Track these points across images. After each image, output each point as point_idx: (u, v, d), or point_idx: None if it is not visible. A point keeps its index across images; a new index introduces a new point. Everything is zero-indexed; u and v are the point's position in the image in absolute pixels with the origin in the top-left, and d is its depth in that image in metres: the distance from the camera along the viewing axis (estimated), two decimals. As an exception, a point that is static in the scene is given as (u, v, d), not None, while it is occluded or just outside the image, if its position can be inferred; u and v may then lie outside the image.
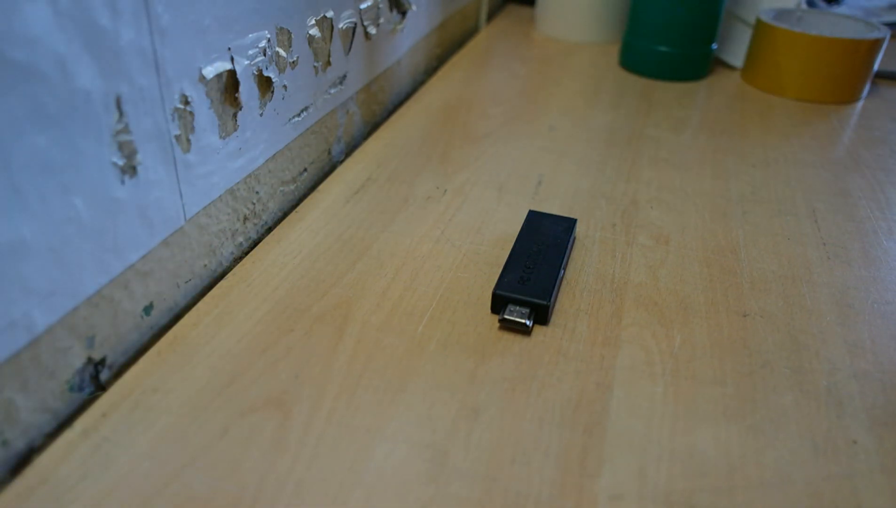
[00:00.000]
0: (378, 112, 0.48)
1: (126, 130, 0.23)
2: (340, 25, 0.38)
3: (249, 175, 0.32)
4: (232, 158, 0.30)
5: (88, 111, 0.22)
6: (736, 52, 0.60)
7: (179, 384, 0.24)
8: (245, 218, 0.33)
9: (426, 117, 0.47)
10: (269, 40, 0.31)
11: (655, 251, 0.33)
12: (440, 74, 0.56)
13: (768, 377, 0.26)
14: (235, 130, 0.30)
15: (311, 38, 0.35)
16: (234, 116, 0.30)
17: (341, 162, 0.41)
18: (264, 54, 0.31)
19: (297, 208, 0.35)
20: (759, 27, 0.55)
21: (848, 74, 0.52)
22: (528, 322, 0.27)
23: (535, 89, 0.53)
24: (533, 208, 0.36)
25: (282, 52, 0.33)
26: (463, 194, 0.37)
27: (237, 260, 0.32)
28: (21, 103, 0.19)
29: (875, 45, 0.51)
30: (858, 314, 0.29)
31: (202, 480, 0.21)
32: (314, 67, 0.36)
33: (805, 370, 0.26)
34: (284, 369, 0.25)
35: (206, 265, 0.30)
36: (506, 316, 0.27)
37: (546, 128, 0.46)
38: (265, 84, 0.32)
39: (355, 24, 0.40)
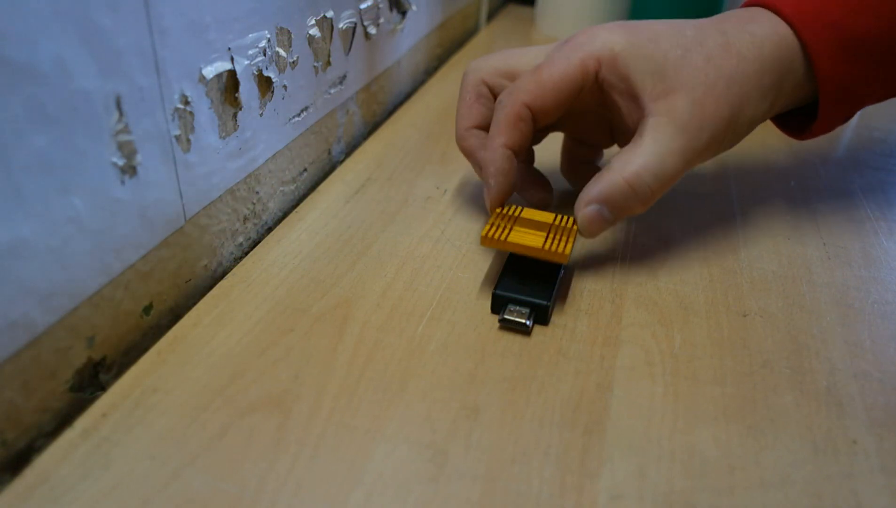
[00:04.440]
0: (378, 112, 0.48)
1: (126, 130, 0.23)
2: (340, 25, 0.38)
3: (249, 175, 0.32)
4: (232, 158, 0.30)
5: (88, 111, 0.22)
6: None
7: (179, 384, 0.24)
8: (245, 218, 0.33)
9: (426, 117, 0.47)
10: (269, 40, 0.31)
11: (655, 251, 0.33)
12: (440, 74, 0.56)
13: (768, 377, 0.26)
14: (235, 130, 0.30)
15: (311, 38, 0.35)
16: (235, 116, 0.30)
17: (341, 162, 0.41)
18: (264, 54, 0.31)
19: (297, 208, 0.35)
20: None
21: (848, 73, 0.52)
22: (528, 322, 0.27)
23: (536, 89, 0.53)
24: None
25: (282, 52, 0.33)
26: (463, 193, 0.37)
27: (237, 260, 0.32)
28: (21, 103, 0.19)
29: (875, 45, 0.51)
30: (858, 314, 0.29)
31: (202, 480, 0.21)
32: (314, 66, 0.36)
33: (805, 370, 0.26)
34: (284, 369, 0.25)
35: (206, 265, 0.30)
36: (505, 316, 0.27)
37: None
38: (265, 84, 0.32)
39: (355, 24, 0.40)
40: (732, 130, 0.30)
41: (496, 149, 0.30)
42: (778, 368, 0.26)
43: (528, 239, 0.28)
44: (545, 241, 0.28)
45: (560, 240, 0.28)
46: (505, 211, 0.30)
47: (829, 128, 0.33)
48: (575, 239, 0.29)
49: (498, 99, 0.31)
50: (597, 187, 0.28)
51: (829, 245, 0.34)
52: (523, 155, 0.31)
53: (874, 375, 0.26)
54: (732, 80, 0.29)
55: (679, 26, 0.30)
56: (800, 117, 0.34)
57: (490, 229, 0.29)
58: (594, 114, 0.33)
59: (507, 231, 0.29)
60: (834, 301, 0.30)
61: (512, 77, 0.32)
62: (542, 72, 0.30)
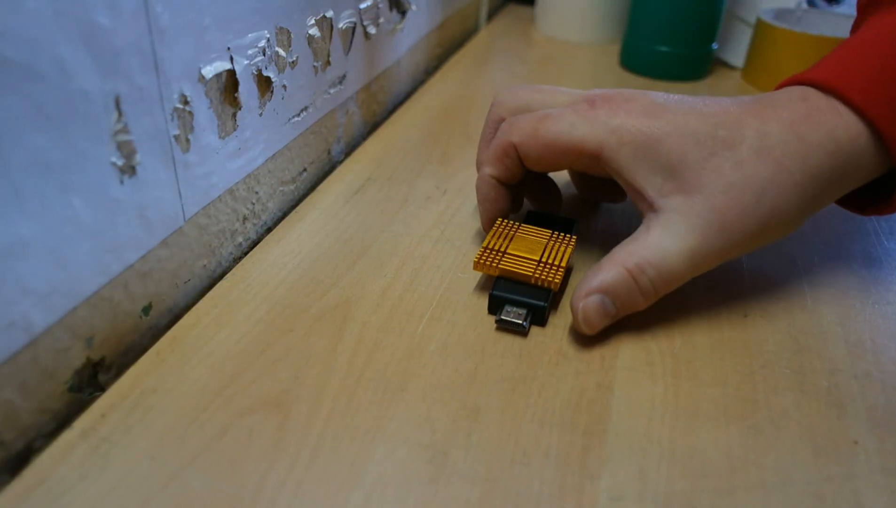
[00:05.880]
0: (378, 112, 0.48)
1: (125, 130, 0.23)
2: (340, 25, 0.38)
3: (249, 175, 0.32)
4: (231, 158, 0.30)
5: (87, 111, 0.22)
6: (736, 51, 0.60)
7: (178, 384, 0.24)
8: (244, 218, 0.33)
9: (426, 117, 0.47)
10: (268, 40, 0.31)
11: (656, 251, 0.33)
12: (440, 74, 0.56)
13: (769, 377, 0.26)
14: (235, 129, 0.30)
15: (310, 38, 0.35)
16: (234, 115, 0.30)
17: (341, 162, 0.41)
18: (264, 54, 0.31)
19: (297, 208, 0.35)
20: (760, 27, 0.55)
21: (848, 73, 0.52)
22: (524, 323, 0.27)
23: (535, 89, 0.53)
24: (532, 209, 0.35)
25: (281, 52, 0.33)
26: (463, 193, 0.37)
27: (236, 260, 0.32)
28: (20, 103, 0.19)
29: (875, 45, 0.51)
30: (859, 315, 0.29)
31: (201, 481, 0.20)
32: (314, 66, 0.36)
33: (805, 370, 0.26)
34: (284, 369, 0.25)
35: (205, 266, 0.30)
36: (502, 317, 0.27)
37: (546, 128, 0.46)
38: (265, 84, 0.32)
39: (355, 23, 0.40)
40: (759, 238, 0.27)
41: (483, 177, 0.31)
42: (778, 368, 0.26)
43: (519, 265, 0.28)
44: (536, 267, 0.28)
45: (552, 265, 0.28)
46: (502, 228, 0.30)
47: None
48: (570, 258, 0.29)
49: (501, 125, 0.30)
50: (598, 278, 0.26)
51: (830, 245, 0.34)
52: (516, 181, 0.31)
53: (875, 375, 0.26)
54: (765, 191, 0.26)
55: (712, 122, 0.27)
56: (861, 192, 0.30)
57: (483, 254, 0.29)
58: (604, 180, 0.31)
59: (499, 255, 0.29)
60: (834, 302, 0.30)
61: None
62: (542, 124, 0.28)
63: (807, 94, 0.28)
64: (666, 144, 0.26)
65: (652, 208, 0.27)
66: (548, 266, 0.28)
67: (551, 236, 0.30)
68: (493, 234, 0.30)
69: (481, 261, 0.28)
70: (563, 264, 0.28)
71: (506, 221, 0.31)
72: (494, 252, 0.29)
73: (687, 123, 0.27)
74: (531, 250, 0.29)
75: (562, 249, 0.29)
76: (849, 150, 0.26)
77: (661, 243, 0.26)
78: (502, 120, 0.32)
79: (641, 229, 0.27)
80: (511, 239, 0.30)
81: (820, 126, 0.26)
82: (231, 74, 0.29)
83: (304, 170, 0.38)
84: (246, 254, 0.32)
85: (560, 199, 0.35)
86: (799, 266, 0.32)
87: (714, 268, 0.30)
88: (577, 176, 0.36)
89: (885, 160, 0.27)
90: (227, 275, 0.30)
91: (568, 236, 0.30)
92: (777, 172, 0.26)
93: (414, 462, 0.21)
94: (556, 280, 0.27)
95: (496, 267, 0.28)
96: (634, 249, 0.26)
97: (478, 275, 0.31)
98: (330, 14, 0.37)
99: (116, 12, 0.22)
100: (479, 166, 0.32)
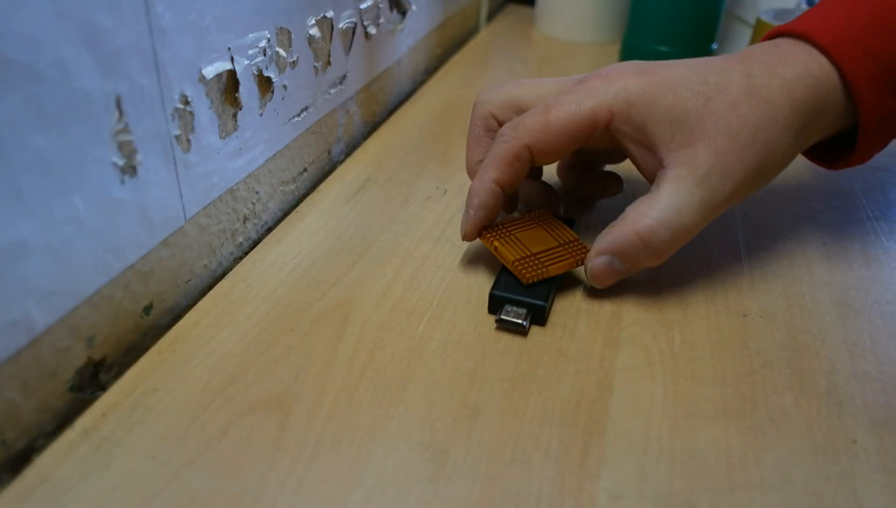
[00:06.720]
0: (378, 112, 0.48)
1: (126, 130, 0.23)
2: (340, 25, 0.38)
3: (249, 175, 0.32)
4: (232, 158, 0.30)
5: (88, 111, 0.22)
6: (736, 51, 0.60)
7: (180, 383, 0.24)
8: (245, 218, 0.33)
9: (426, 117, 0.47)
10: (269, 40, 0.31)
11: (655, 251, 0.33)
12: (440, 74, 0.56)
13: (768, 376, 0.26)
14: (235, 130, 0.30)
15: (311, 38, 0.35)
16: (234, 115, 0.30)
17: (341, 162, 0.41)
18: (264, 54, 0.31)
19: (297, 208, 0.35)
20: (759, 27, 0.55)
21: (848, 73, 0.52)
22: (524, 323, 0.27)
23: (535, 89, 0.53)
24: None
25: (282, 52, 0.33)
26: (463, 193, 0.37)
27: (237, 260, 0.32)
28: (21, 103, 0.19)
29: (875, 45, 0.51)
30: (858, 314, 0.29)
31: (202, 480, 0.21)
32: (314, 66, 0.36)
33: (805, 369, 0.26)
34: (285, 368, 0.25)
35: (206, 265, 0.30)
36: (502, 317, 0.27)
37: (546, 128, 0.46)
38: (265, 84, 0.32)
39: (355, 23, 0.40)
40: (759, 177, 0.28)
41: (485, 182, 0.29)
42: (778, 368, 0.26)
43: (557, 260, 0.29)
44: (567, 254, 0.29)
45: (572, 243, 0.30)
46: (501, 236, 0.30)
47: (866, 158, 0.31)
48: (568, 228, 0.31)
49: (500, 130, 0.30)
50: (608, 238, 0.28)
51: (829, 245, 0.34)
52: (514, 190, 0.30)
53: (874, 375, 0.26)
54: (759, 127, 0.27)
55: (701, 71, 0.28)
56: (831, 147, 0.32)
57: (524, 267, 0.28)
58: (604, 152, 0.32)
59: (535, 260, 0.29)
60: (834, 301, 0.30)
61: (521, 111, 0.31)
62: (550, 113, 0.28)
63: (777, 42, 0.30)
64: (668, 97, 0.27)
65: (660, 163, 0.28)
66: (571, 246, 0.29)
67: (532, 218, 0.31)
68: (501, 246, 0.29)
69: (530, 273, 0.28)
70: (575, 236, 0.30)
71: (492, 229, 0.30)
72: (529, 259, 0.29)
73: (680, 76, 0.28)
74: (543, 240, 0.30)
75: (556, 226, 0.31)
76: (826, 83, 0.28)
77: (672, 201, 0.27)
78: (490, 116, 0.32)
79: (653, 187, 0.28)
80: (519, 241, 0.29)
81: (796, 65, 0.28)
82: (232, 74, 0.29)
83: (305, 170, 0.38)
84: (247, 254, 0.32)
85: (561, 200, 0.35)
86: (798, 265, 0.32)
87: (713, 266, 0.30)
88: (570, 174, 0.36)
89: (851, 106, 0.29)
90: (228, 275, 0.30)
91: (539, 211, 0.31)
92: (767, 109, 0.27)
93: (414, 461, 0.22)
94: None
95: (548, 270, 0.28)
96: (646, 210, 0.27)
97: (478, 275, 0.31)
98: (330, 14, 0.37)
99: (117, 13, 0.22)
100: (469, 167, 0.32)
